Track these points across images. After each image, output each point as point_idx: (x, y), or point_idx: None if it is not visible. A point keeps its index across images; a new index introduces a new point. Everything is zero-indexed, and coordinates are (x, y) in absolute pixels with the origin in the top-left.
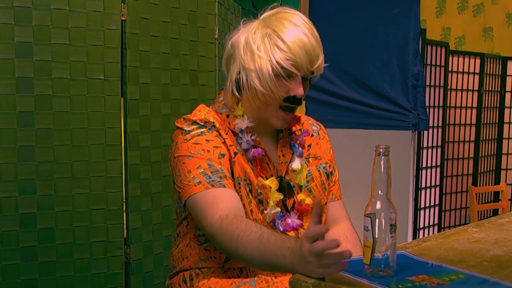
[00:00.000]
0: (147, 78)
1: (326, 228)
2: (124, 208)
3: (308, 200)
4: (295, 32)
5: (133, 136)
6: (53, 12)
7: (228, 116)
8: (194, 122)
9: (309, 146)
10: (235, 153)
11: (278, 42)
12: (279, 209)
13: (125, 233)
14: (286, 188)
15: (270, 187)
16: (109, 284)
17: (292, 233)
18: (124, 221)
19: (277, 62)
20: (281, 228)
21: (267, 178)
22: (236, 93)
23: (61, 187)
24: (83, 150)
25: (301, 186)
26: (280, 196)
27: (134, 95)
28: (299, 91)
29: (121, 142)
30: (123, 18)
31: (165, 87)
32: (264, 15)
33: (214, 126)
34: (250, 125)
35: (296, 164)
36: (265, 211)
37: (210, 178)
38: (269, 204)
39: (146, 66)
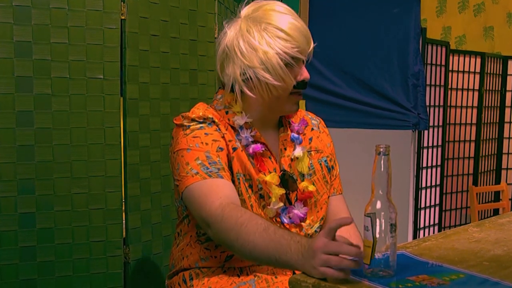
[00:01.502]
0: (146, 77)
1: (350, 219)
2: (123, 208)
3: (312, 188)
4: (286, 19)
5: (133, 136)
6: (52, 11)
7: (227, 112)
8: (193, 120)
9: (310, 139)
10: (234, 149)
11: (277, 32)
12: (282, 204)
13: (124, 233)
14: (289, 182)
15: (272, 184)
16: (108, 284)
17: (295, 230)
18: (123, 221)
19: (284, 52)
20: (286, 221)
21: (269, 172)
22: (248, 92)
23: (60, 186)
24: (82, 150)
25: (304, 175)
26: (282, 191)
27: (134, 95)
28: (307, 74)
29: (120, 142)
30: (123, 17)
31: (164, 86)
32: (244, 12)
33: (214, 121)
34: (249, 121)
35: (298, 151)
36: (268, 207)
37: (208, 169)
38: (271, 199)
39: (145, 65)
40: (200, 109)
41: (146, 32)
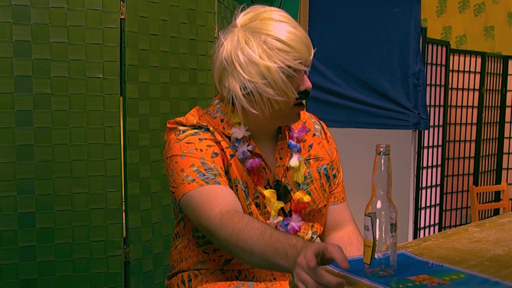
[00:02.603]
0: (146, 77)
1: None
2: (124, 208)
3: (306, 198)
4: (286, 28)
5: (132, 135)
6: (51, 11)
7: (222, 120)
8: (186, 126)
9: (310, 146)
10: (232, 155)
11: (278, 44)
12: (281, 218)
13: (124, 233)
14: (283, 193)
15: (270, 199)
16: (109, 284)
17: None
18: (124, 221)
19: (286, 65)
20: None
21: (265, 187)
22: (250, 108)
23: (60, 186)
24: (82, 149)
25: (299, 185)
26: (281, 205)
27: (133, 94)
28: (309, 83)
29: (120, 141)
30: (122, 17)
31: (164, 86)
32: (241, 21)
33: (208, 129)
34: (247, 134)
35: (293, 161)
36: (267, 221)
37: (204, 175)
38: (271, 214)
39: (145, 65)
40: (194, 116)
41: (146, 31)
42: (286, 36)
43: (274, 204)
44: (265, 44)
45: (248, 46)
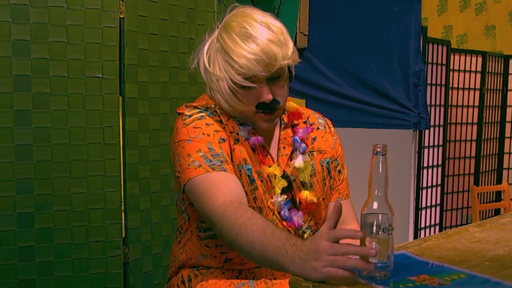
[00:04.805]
0: (145, 76)
1: (360, 234)
2: (123, 208)
3: (315, 200)
4: (243, 42)
5: (132, 135)
6: (50, 10)
7: None
8: (196, 107)
9: (314, 139)
10: (237, 140)
11: (227, 58)
12: (285, 197)
13: (123, 233)
14: (287, 181)
15: (275, 175)
16: (108, 284)
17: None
18: (123, 221)
19: (231, 79)
20: (286, 214)
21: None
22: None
23: (59, 186)
24: (81, 149)
25: (305, 183)
26: (284, 184)
27: (133, 94)
28: (266, 96)
29: (119, 141)
30: (121, 16)
31: (164, 85)
32: (221, 22)
33: (216, 111)
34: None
35: (298, 161)
36: (271, 200)
37: (211, 161)
38: (275, 191)
39: (144, 64)
40: (204, 99)
41: (145, 30)
42: (236, 52)
43: (279, 182)
44: (219, 53)
45: (206, 52)
